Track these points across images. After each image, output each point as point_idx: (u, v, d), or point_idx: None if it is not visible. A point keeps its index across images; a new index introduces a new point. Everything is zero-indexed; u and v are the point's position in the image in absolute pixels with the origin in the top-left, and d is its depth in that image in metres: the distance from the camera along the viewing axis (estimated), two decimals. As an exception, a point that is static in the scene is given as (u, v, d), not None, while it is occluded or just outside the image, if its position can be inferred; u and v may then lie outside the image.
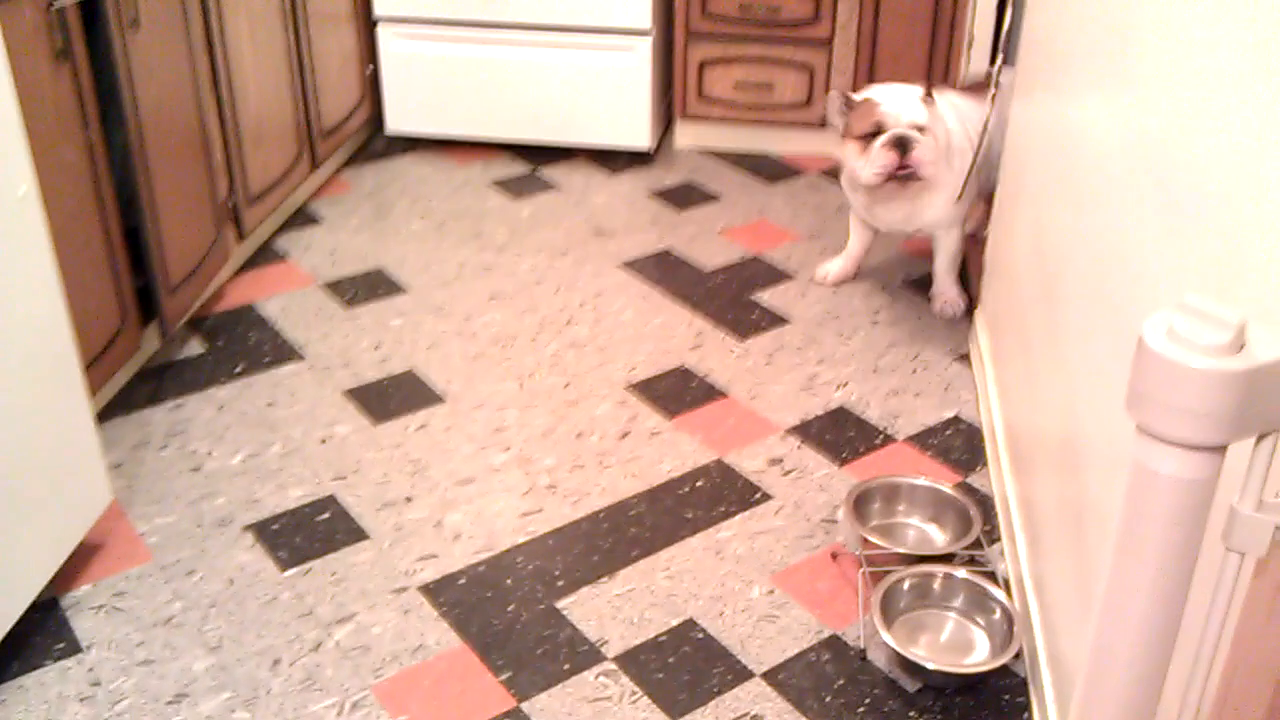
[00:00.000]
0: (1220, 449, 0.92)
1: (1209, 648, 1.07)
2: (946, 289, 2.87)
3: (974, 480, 2.31)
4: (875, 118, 2.65)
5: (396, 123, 3.65)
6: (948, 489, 2.18)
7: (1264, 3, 1.10)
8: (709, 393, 2.56)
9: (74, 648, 1.92)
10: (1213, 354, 0.89)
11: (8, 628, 1.84)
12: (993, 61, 3.12)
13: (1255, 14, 1.12)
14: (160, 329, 2.56)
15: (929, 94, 2.70)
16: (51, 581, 2.02)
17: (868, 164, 2.65)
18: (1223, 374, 0.89)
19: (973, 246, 2.97)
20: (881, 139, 2.63)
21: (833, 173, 3.54)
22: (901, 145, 2.62)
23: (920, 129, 2.64)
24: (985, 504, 2.22)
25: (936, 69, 3.46)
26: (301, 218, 3.27)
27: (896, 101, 2.66)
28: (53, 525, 1.94)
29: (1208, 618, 1.07)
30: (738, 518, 2.21)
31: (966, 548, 2.07)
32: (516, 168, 3.56)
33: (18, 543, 1.85)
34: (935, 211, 2.78)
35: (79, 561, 2.08)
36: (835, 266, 2.99)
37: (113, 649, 1.92)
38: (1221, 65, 1.20)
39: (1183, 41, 1.33)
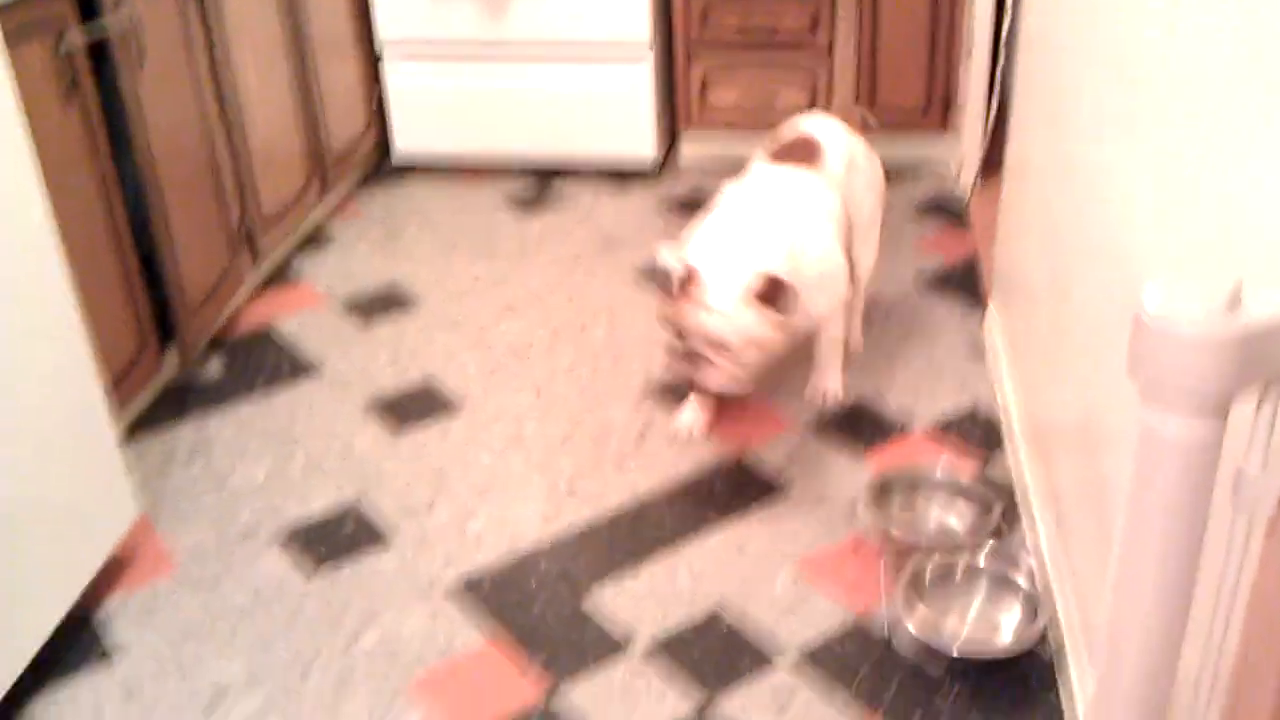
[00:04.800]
0: (1222, 410, 0.93)
1: (1225, 610, 1.08)
2: (822, 379, 2.50)
3: (993, 468, 2.32)
4: (678, 317, 2.09)
5: (404, 146, 3.69)
6: (966, 477, 2.19)
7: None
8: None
9: (107, 659, 1.94)
10: (1208, 317, 0.90)
11: (42, 641, 1.87)
12: (993, 64, 3.15)
13: (1246, 4, 1.14)
14: (180, 351, 2.59)
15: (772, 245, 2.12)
16: (83, 596, 2.04)
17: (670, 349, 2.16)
18: (1218, 336, 0.89)
19: (984, 240, 2.99)
20: (673, 341, 2.13)
21: (838, 178, 3.56)
22: (690, 358, 2.11)
23: (723, 346, 2.06)
24: (1004, 491, 2.23)
25: (937, 76, 3.49)
26: (315, 241, 3.31)
27: (718, 294, 2.06)
28: (82, 542, 1.96)
29: (1221, 580, 1.07)
30: (759, 513, 2.23)
31: (987, 534, 2.08)
32: (524, 186, 3.60)
33: (48, 559, 1.87)
34: (814, 317, 2.32)
35: (109, 577, 2.10)
36: (687, 419, 2.46)
37: (145, 660, 1.94)
38: (1209, 49, 1.23)
39: (1172, 29, 1.36)
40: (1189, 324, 0.90)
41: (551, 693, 1.85)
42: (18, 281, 1.80)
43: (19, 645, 1.81)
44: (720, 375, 2.10)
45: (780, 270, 2.09)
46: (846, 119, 2.59)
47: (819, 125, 2.51)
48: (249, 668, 1.91)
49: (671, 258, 2.12)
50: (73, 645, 1.96)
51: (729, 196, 2.34)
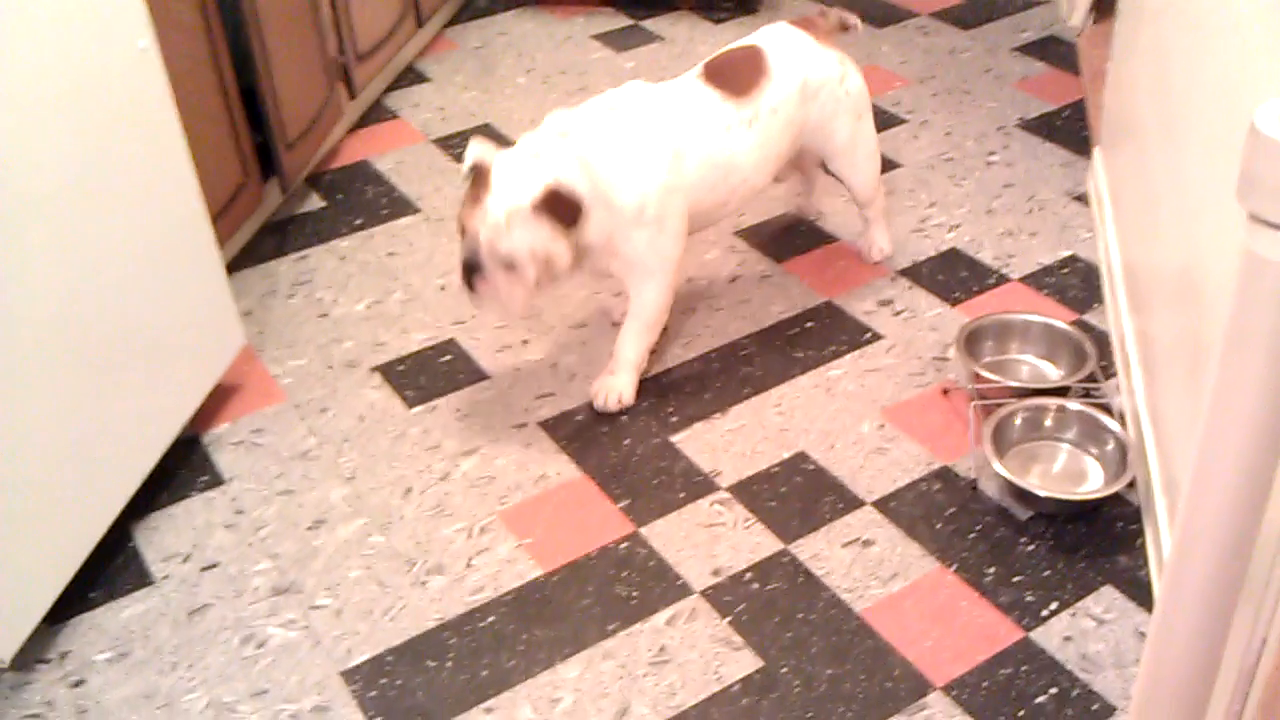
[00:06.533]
0: (1333, 234, 0.90)
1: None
2: (609, 376, 2.14)
3: (1090, 318, 2.28)
4: (463, 218, 1.90)
5: (499, -21, 3.63)
6: (1062, 325, 2.16)
7: None
8: (819, 237, 2.56)
9: (217, 480, 2.04)
10: None
11: (155, 460, 1.96)
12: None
13: None
14: (280, 184, 2.63)
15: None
16: (193, 420, 2.13)
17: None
18: None
19: (1093, 83, 2.88)
20: (460, 246, 1.93)
21: (943, 14, 3.44)
22: (470, 268, 1.90)
23: (510, 264, 1.87)
24: (1101, 340, 2.20)
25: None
26: (409, 76, 3.30)
27: (501, 200, 1.85)
28: (191, 367, 2.04)
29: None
30: (848, 357, 2.23)
31: (1081, 381, 2.06)
32: (619, 20, 3.53)
33: (159, 383, 1.95)
34: (620, 257, 2.05)
35: (218, 402, 2.19)
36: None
37: (253, 480, 2.03)
38: None
39: None
40: None
41: (639, 525, 1.91)
42: (126, 110, 1.84)
43: (132, 465, 1.91)
44: (503, 292, 1.90)
45: (572, 182, 1.89)
46: (818, 25, 2.25)
47: (776, 42, 2.19)
48: (351, 492, 2.00)
49: (475, 152, 1.89)
50: (183, 468, 2.06)
51: (606, 97, 2.07)
